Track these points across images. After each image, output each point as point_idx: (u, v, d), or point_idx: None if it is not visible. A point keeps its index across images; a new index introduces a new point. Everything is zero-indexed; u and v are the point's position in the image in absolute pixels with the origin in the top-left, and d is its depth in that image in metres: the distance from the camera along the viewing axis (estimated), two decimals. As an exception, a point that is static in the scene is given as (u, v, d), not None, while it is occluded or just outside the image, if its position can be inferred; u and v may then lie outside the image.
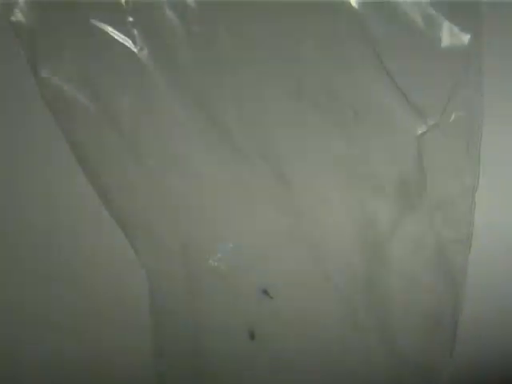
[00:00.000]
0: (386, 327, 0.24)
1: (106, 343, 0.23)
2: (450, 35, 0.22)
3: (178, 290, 0.23)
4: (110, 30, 0.20)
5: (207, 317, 0.23)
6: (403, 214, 0.24)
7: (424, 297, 0.24)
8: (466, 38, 0.22)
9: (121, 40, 0.20)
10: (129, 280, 0.23)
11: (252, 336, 0.24)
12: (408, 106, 0.23)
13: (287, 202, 0.23)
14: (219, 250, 0.23)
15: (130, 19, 0.20)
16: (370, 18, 0.22)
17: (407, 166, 0.23)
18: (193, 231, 0.23)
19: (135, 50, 0.20)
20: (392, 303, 0.24)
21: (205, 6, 0.21)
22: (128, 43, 0.20)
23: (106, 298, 0.23)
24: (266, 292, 0.24)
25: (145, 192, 0.23)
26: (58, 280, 0.23)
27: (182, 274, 0.23)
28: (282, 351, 0.24)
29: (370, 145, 0.23)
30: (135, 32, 0.20)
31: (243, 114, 0.23)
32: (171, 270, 0.23)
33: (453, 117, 0.23)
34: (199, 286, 0.23)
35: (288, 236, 0.23)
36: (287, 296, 0.24)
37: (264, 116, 0.23)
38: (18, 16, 0.20)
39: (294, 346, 0.24)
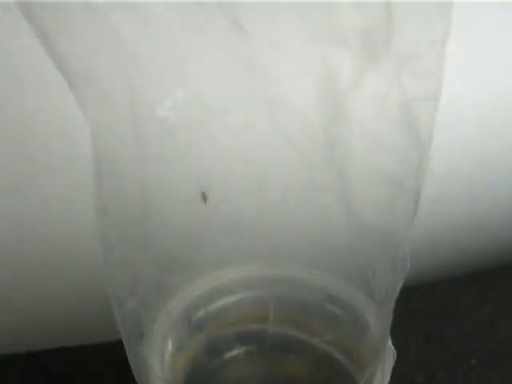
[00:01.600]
0: (347, 188, 0.23)
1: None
2: None
3: (123, 144, 0.21)
4: None
5: (155, 175, 0.22)
6: (367, 67, 0.22)
7: (386, 157, 0.23)
8: None
9: None
10: (73, 138, 0.22)
11: (204, 197, 0.23)
12: None
13: (242, 52, 0.22)
14: (168, 98, 0.21)
15: None
16: None
17: (373, 12, 0.22)
18: (141, 79, 0.21)
19: None
20: (353, 163, 0.23)
21: None
22: None
23: (50, 157, 0.22)
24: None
25: (91, 37, 0.21)
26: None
27: (129, 126, 0.21)
28: (236, 213, 0.23)
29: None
30: None
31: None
32: (117, 122, 0.21)
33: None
34: (147, 140, 0.21)
35: (242, 89, 0.22)
36: (242, 155, 0.23)
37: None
38: None
39: (250, 207, 0.23)
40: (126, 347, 0.24)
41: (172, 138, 0.21)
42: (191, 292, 0.27)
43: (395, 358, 0.26)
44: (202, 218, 0.24)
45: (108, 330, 0.26)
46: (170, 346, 0.26)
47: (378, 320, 0.26)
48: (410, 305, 0.43)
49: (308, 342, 0.29)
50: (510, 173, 0.52)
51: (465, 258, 0.56)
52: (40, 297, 0.37)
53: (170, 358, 0.25)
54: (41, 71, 0.22)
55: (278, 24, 0.22)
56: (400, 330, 0.27)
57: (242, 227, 0.24)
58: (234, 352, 0.28)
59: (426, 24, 0.22)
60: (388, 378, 0.25)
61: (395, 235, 0.24)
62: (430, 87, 0.22)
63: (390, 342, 0.26)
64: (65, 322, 0.37)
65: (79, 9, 0.20)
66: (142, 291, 0.24)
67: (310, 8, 0.22)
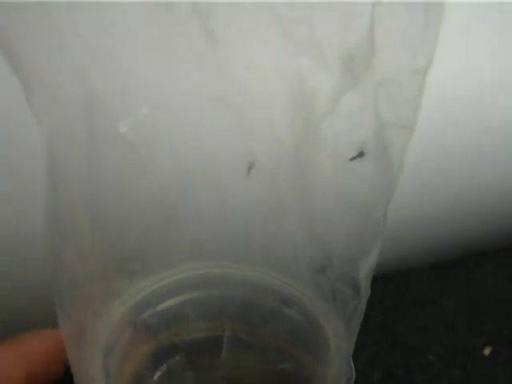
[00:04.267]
0: (312, 214, 0.22)
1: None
2: None
3: (78, 157, 0.20)
4: None
5: (109, 192, 0.21)
6: (344, 89, 0.21)
7: (355, 182, 0.22)
8: None
9: None
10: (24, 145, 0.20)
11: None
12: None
13: (212, 62, 0.20)
14: (131, 114, 0.20)
15: None
16: None
17: (356, 35, 0.20)
18: (101, 87, 0.20)
19: None
20: (320, 187, 0.22)
21: None
22: None
23: None
24: None
25: (47, 38, 0.19)
26: None
27: (85, 138, 0.20)
28: (198, 233, 0.22)
29: (315, 6, 0.20)
30: None
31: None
32: (73, 132, 0.20)
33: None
34: (103, 155, 0.20)
35: (210, 101, 0.21)
36: (205, 172, 0.21)
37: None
38: None
39: (210, 228, 0.22)
40: (68, 353, 0.23)
41: (131, 152, 0.20)
42: (137, 292, 0.26)
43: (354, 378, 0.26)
44: (158, 227, 0.23)
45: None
46: (114, 353, 0.25)
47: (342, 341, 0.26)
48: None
49: (263, 351, 0.29)
50: (468, 164, 0.52)
51: (424, 249, 0.56)
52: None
53: (116, 366, 0.24)
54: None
55: (253, 34, 0.21)
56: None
57: (197, 250, 0.23)
58: (184, 359, 0.27)
59: (410, 52, 0.21)
60: None
61: (359, 261, 0.23)
62: (406, 115, 0.21)
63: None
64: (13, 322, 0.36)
65: (36, 8, 0.18)
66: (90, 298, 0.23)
67: (291, 21, 0.20)
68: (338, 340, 0.26)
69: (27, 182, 0.27)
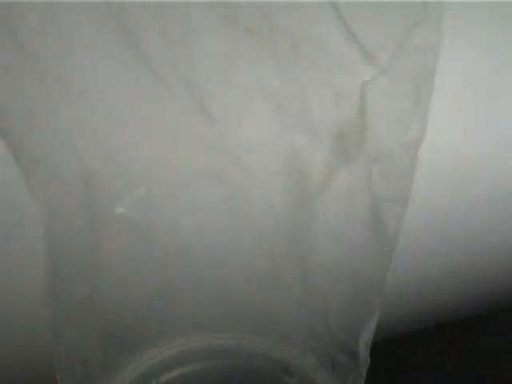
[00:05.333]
0: (310, 284, 0.23)
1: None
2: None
3: (78, 235, 0.20)
4: None
5: (110, 272, 0.21)
6: (338, 165, 0.21)
7: (351, 256, 0.22)
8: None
9: None
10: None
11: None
12: (355, 46, 0.20)
13: (209, 139, 0.21)
14: (129, 193, 0.20)
15: None
16: None
17: (348, 113, 0.21)
18: (99, 165, 0.20)
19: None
20: (316, 261, 0.22)
21: None
22: None
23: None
24: None
25: (47, 121, 0.20)
26: None
27: (84, 216, 0.20)
28: (198, 305, 0.22)
29: (308, 84, 0.21)
30: None
31: (166, 38, 0.20)
32: (72, 212, 0.20)
33: (405, 62, 0.20)
34: (102, 233, 0.20)
35: (207, 176, 0.21)
36: (202, 238, 0.22)
37: (190, 41, 0.20)
38: None
39: (210, 300, 0.22)
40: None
41: (130, 231, 0.20)
42: (138, 365, 0.26)
43: None
44: (158, 301, 0.23)
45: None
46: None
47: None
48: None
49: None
50: (470, 227, 0.52)
51: (426, 312, 0.56)
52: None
53: None
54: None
55: (248, 109, 0.21)
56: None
57: (195, 321, 0.23)
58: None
59: (402, 126, 0.21)
60: None
61: (358, 330, 0.23)
62: (399, 188, 0.22)
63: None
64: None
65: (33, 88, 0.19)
66: (92, 374, 0.23)
67: (284, 97, 0.21)
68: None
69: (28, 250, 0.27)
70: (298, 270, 0.22)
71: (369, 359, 0.24)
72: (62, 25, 0.18)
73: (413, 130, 0.21)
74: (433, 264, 0.50)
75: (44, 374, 0.25)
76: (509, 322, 0.52)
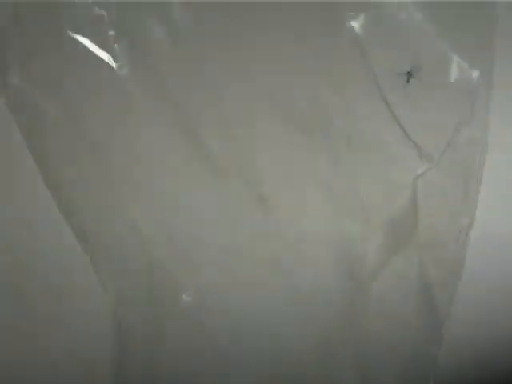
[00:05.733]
0: (363, 367, 0.23)
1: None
2: (458, 71, 0.21)
3: (143, 323, 0.22)
4: (88, 43, 0.18)
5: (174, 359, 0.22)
6: (390, 252, 0.22)
7: (404, 338, 0.23)
8: (474, 74, 0.21)
9: (100, 54, 0.18)
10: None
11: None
12: (407, 141, 0.21)
13: (268, 229, 0.22)
14: (194, 281, 0.21)
15: (112, 33, 0.18)
16: (372, 45, 0.20)
17: (400, 204, 0.22)
18: (164, 259, 0.21)
19: (114, 65, 0.18)
20: (370, 342, 0.23)
21: (194, 22, 0.19)
22: (107, 58, 0.18)
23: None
24: None
25: (116, 216, 0.21)
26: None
27: (148, 304, 0.21)
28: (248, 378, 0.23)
29: (362, 177, 0.22)
30: (116, 47, 0.18)
31: (227, 134, 0.21)
32: (137, 299, 0.21)
33: (454, 157, 0.22)
34: (167, 321, 0.22)
35: (266, 265, 0.22)
36: (261, 325, 0.23)
37: (250, 137, 0.21)
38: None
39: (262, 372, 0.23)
40: None
41: (194, 318, 0.21)
42: None
43: None
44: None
45: None
46: None
47: None
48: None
49: None
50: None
51: None
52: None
53: None
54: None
55: (304, 202, 0.22)
56: None
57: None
58: None
59: (451, 217, 0.22)
60: None
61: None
62: (451, 273, 0.23)
63: None
64: None
65: (104, 188, 0.20)
66: None
67: (335, 184, 0.22)
68: None
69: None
70: (351, 345, 0.23)
71: None
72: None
73: (462, 219, 0.22)
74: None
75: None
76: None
